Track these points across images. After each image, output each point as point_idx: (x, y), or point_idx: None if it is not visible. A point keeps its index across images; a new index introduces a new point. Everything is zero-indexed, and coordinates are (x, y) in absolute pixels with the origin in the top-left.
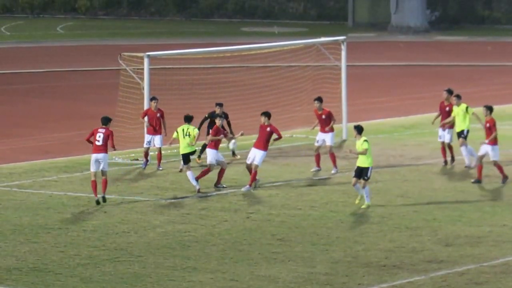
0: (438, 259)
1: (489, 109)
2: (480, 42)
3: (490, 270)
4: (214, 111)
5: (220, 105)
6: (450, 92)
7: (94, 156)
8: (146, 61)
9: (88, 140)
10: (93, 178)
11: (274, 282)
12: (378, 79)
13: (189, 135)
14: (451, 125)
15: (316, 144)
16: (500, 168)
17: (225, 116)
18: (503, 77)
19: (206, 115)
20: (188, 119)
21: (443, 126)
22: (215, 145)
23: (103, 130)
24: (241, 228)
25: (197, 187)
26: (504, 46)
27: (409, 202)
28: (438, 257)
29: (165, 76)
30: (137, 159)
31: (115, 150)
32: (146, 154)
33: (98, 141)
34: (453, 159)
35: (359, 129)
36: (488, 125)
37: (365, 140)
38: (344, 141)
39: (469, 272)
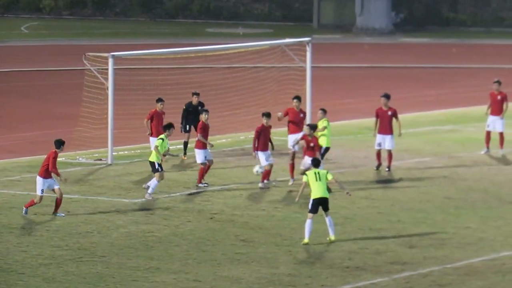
0: (402, 261)
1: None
2: (445, 44)
3: (453, 272)
4: (191, 102)
5: (197, 94)
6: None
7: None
8: (110, 61)
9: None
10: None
11: (237, 282)
12: (343, 81)
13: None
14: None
15: (293, 149)
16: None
17: (201, 105)
18: (468, 79)
19: (185, 107)
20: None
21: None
22: (203, 144)
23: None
24: (204, 229)
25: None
26: (469, 48)
27: (373, 203)
28: (402, 258)
29: (129, 76)
30: (101, 159)
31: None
32: None
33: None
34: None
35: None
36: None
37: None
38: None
39: (433, 274)
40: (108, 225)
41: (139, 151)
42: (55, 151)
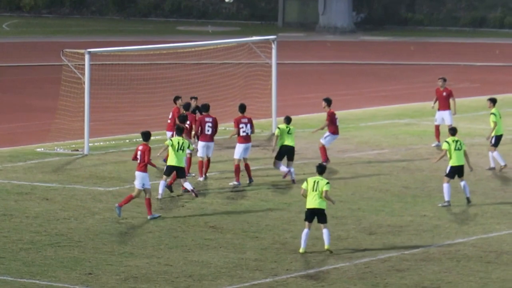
0: (362, 247)
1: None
2: (403, 42)
3: (411, 258)
4: (189, 103)
5: (195, 98)
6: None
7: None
8: (87, 57)
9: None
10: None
11: (206, 267)
12: (306, 76)
13: (183, 149)
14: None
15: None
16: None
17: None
18: (424, 76)
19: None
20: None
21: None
22: (204, 137)
23: (141, 147)
24: (175, 216)
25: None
26: (426, 46)
27: (335, 192)
28: (362, 245)
29: (105, 71)
30: (77, 150)
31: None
32: None
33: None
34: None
35: None
36: None
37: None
38: (273, 134)
39: (391, 259)
40: (84, 212)
41: (113, 142)
42: (146, 144)
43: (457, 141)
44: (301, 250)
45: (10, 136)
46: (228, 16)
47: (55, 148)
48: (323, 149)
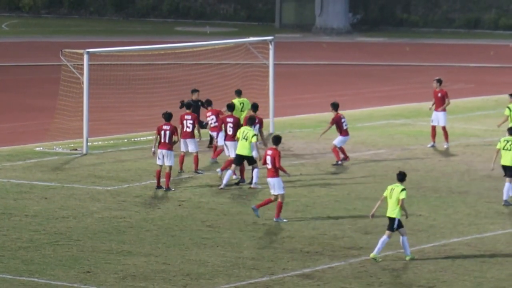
0: (358, 246)
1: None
2: (399, 43)
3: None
4: (190, 103)
5: (196, 91)
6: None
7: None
8: (85, 57)
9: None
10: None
11: (203, 265)
12: (303, 77)
13: (246, 139)
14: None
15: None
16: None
17: (201, 103)
18: (420, 77)
19: (184, 104)
20: (251, 121)
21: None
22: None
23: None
24: (173, 215)
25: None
26: (421, 47)
27: (331, 192)
28: (358, 244)
29: (103, 71)
30: (76, 149)
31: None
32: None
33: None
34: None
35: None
36: None
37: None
38: (270, 134)
39: (387, 258)
40: (82, 211)
41: (112, 141)
42: (276, 148)
43: (508, 141)
44: (372, 255)
45: (10, 135)
46: (225, 17)
47: (54, 147)
48: (336, 150)
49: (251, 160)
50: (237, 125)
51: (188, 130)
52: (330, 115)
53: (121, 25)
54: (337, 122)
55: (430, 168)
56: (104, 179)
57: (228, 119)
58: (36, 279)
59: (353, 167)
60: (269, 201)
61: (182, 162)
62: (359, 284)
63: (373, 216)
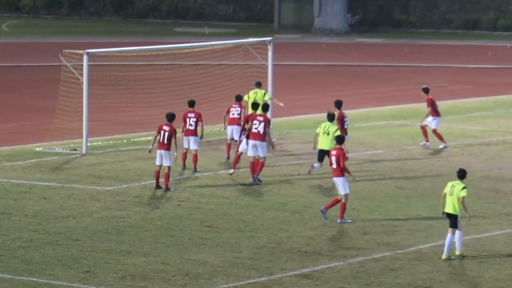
0: (356, 246)
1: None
2: (397, 44)
3: (404, 257)
4: (193, 100)
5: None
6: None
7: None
8: (85, 57)
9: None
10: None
11: (202, 265)
12: (302, 78)
13: (328, 133)
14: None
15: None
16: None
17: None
18: (418, 77)
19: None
20: (330, 118)
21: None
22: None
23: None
24: (172, 215)
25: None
26: (419, 48)
27: (329, 192)
28: (356, 244)
29: (103, 72)
30: (76, 149)
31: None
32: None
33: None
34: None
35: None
36: None
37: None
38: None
39: (385, 258)
40: (82, 211)
41: (112, 142)
42: (341, 148)
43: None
44: (443, 256)
45: (9, 135)
46: (224, 18)
47: (54, 147)
48: None
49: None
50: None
51: (190, 128)
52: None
53: (120, 25)
54: (340, 121)
55: (428, 168)
56: (103, 179)
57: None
58: (35, 279)
59: (351, 168)
60: (336, 201)
61: (184, 159)
62: (358, 284)
63: (443, 214)
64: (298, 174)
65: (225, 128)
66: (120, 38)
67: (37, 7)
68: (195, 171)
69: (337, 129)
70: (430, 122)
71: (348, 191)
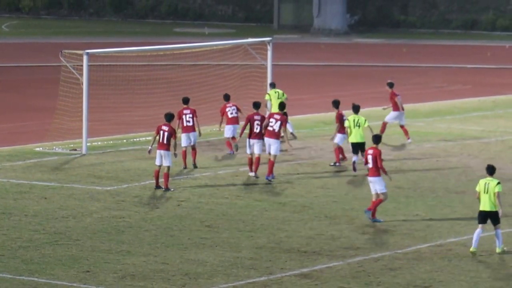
0: (355, 246)
1: None
2: (396, 44)
3: (403, 257)
4: (187, 97)
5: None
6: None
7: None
8: (85, 58)
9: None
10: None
11: (202, 265)
12: (301, 78)
13: (359, 125)
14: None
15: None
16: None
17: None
18: (417, 78)
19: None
20: (356, 109)
21: None
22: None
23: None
24: (172, 215)
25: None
26: (418, 48)
27: (328, 193)
28: (355, 244)
29: (103, 72)
30: (76, 149)
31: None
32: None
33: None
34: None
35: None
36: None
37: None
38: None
39: (384, 258)
40: (82, 211)
41: (111, 142)
42: (377, 147)
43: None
44: (471, 249)
45: (9, 135)
46: (224, 18)
47: (54, 147)
48: (337, 150)
49: (363, 147)
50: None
51: (189, 124)
52: (328, 115)
53: (120, 26)
54: (340, 120)
55: (427, 168)
56: (103, 179)
57: (256, 117)
58: (35, 279)
59: (350, 168)
60: (380, 201)
61: (185, 158)
62: (357, 284)
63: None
64: (297, 174)
65: (221, 129)
66: (120, 38)
67: (37, 7)
68: (195, 166)
69: (366, 120)
70: (394, 117)
71: (385, 190)
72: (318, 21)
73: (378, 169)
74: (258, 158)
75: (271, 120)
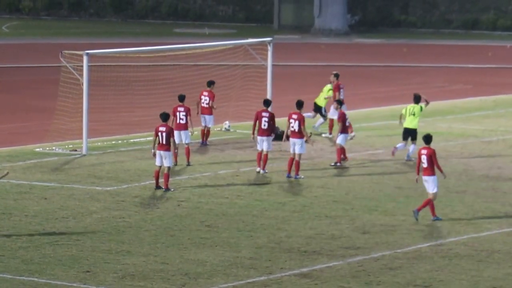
0: (355, 246)
1: None
2: (397, 44)
3: (403, 256)
4: (183, 95)
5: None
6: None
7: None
8: (85, 58)
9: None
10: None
11: (202, 265)
12: (301, 78)
13: (414, 114)
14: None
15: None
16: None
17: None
18: (417, 77)
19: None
20: (417, 99)
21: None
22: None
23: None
24: (172, 215)
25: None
26: (419, 48)
27: (328, 192)
28: (355, 243)
29: (103, 73)
30: (76, 150)
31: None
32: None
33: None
34: None
35: None
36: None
37: None
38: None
39: (384, 258)
40: (82, 211)
41: (113, 142)
42: (430, 147)
43: None
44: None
45: (10, 136)
46: (224, 18)
47: (54, 148)
48: (340, 150)
49: (415, 135)
50: (272, 120)
51: (181, 122)
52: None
53: (120, 26)
54: (342, 120)
55: None
56: (103, 179)
57: (264, 114)
58: (36, 279)
59: (351, 168)
60: (429, 201)
61: (176, 156)
62: (357, 283)
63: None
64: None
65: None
66: (120, 39)
67: (37, 8)
68: (188, 164)
69: (422, 107)
70: (334, 112)
71: (436, 191)
72: (319, 21)
73: (432, 169)
74: (266, 155)
75: (290, 120)
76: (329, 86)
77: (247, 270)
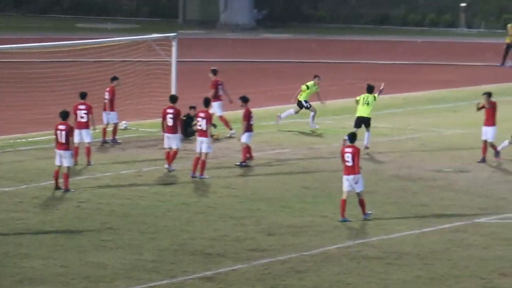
0: (261, 248)
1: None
2: (305, 40)
3: (310, 259)
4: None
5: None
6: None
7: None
8: None
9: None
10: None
11: (103, 268)
12: (207, 75)
13: (368, 103)
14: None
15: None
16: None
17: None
18: (326, 74)
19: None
20: (370, 89)
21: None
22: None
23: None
24: (72, 217)
25: None
26: (328, 43)
27: (233, 193)
28: (261, 246)
29: (1, 69)
30: None
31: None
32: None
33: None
34: None
35: None
36: None
37: None
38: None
39: (291, 260)
40: None
41: (12, 141)
42: (355, 146)
43: None
44: None
45: None
46: (128, 13)
47: None
48: (245, 149)
49: (368, 123)
50: (178, 116)
51: (82, 120)
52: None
53: (19, 21)
54: (247, 117)
55: (335, 168)
56: (1, 179)
57: (169, 110)
58: None
59: (256, 167)
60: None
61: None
62: (263, 287)
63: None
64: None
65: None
66: (20, 34)
67: None
68: (89, 164)
69: (375, 97)
70: (219, 107)
71: (363, 188)
72: (224, 16)
73: (358, 167)
74: (176, 152)
75: (198, 119)
76: (311, 83)
77: (150, 274)
